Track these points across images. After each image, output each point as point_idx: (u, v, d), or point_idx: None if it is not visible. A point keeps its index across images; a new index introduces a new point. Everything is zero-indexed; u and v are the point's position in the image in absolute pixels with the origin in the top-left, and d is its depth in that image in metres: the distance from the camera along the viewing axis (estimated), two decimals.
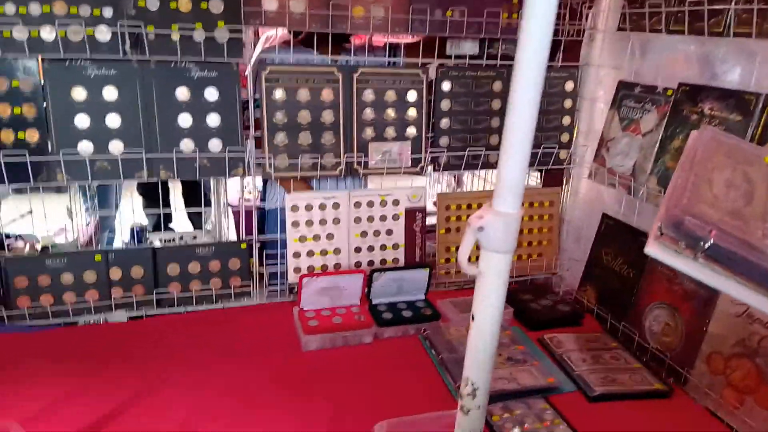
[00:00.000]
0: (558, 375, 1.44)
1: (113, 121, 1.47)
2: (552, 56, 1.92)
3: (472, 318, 0.66)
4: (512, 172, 0.59)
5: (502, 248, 0.61)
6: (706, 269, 0.67)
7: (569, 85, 1.89)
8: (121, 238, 2.35)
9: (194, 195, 2.93)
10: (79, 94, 1.44)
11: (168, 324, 1.60)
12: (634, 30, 1.65)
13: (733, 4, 1.29)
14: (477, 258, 0.66)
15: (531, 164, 1.94)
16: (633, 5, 1.64)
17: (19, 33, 1.35)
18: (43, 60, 1.41)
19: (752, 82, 1.33)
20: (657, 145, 1.57)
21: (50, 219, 1.72)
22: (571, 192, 2.03)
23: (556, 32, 1.81)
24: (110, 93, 1.46)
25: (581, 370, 1.45)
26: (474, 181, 2.51)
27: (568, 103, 1.90)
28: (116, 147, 1.49)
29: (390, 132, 1.74)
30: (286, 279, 1.74)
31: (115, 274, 1.58)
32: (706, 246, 0.66)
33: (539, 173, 2.09)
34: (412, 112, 1.75)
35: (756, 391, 1.24)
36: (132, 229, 2.15)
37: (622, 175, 1.69)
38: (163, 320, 1.62)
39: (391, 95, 1.71)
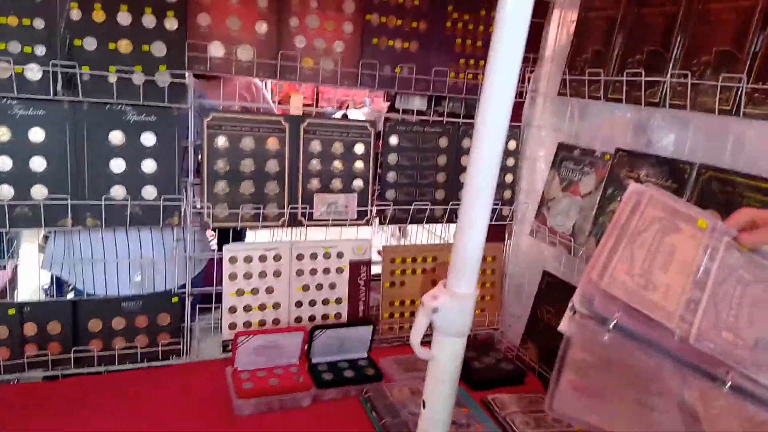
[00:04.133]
0: None
1: (38, 164, 1.36)
2: None
3: (423, 405, 0.62)
4: (469, 252, 0.56)
5: (458, 331, 0.58)
6: (611, 349, 0.68)
7: (512, 144, 1.93)
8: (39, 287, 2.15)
9: None
10: (1, 134, 1.33)
11: (87, 385, 1.46)
12: (574, 95, 1.71)
13: (669, 77, 1.36)
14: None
15: None
16: (573, 72, 1.70)
17: None
18: None
19: (686, 150, 1.39)
20: (596, 207, 1.61)
21: None
22: (513, 248, 2.05)
23: None
24: (37, 134, 1.35)
25: None
26: (419, 231, 2.51)
27: (510, 162, 1.93)
28: (39, 192, 1.38)
29: (336, 184, 1.71)
30: (221, 335, 1.64)
31: (30, 329, 1.44)
32: (611, 326, 0.68)
33: None
34: (359, 165, 1.73)
35: None
36: (52, 277, 1.98)
37: (563, 234, 1.72)
38: (82, 381, 1.48)
39: (338, 147, 1.69)
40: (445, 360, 0.58)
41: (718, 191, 1.28)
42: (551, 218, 1.78)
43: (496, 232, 2.05)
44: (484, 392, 1.60)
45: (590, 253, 1.58)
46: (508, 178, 1.94)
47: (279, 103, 4.57)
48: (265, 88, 3.68)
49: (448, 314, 0.56)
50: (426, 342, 0.68)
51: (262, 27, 1.52)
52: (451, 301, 0.56)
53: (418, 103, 1.81)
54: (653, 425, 0.69)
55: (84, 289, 1.67)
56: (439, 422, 0.59)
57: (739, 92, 1.20)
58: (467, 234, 0.55)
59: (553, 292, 1.79)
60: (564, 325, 0.68)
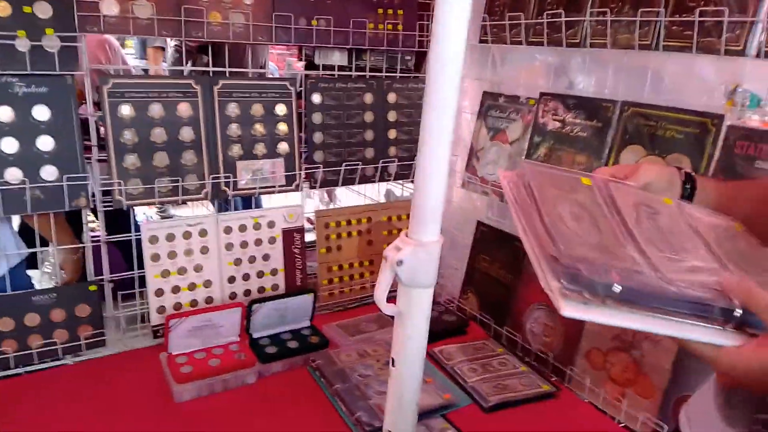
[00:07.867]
0: (453, 390, 1.41)
1: None
2: (417, 68, 1.92)
3: (392, 363, 0.58)
4: (431, 198, 0.52)
5: (425, 282, 0.54)
6: (621, 313, 0.58)
7: None
8: None
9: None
10: None
11: (6, 389, 1.31)
12: (495, 42, 1.69)
13: (588, 16, 1.37)
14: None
15: (407, 176, 1.92)
16: (493, 18, 1.68)
17: None
18: None
19: (606, 90, 1.42)
20: (524, 153, 1.63)
21: None
22: (445, 201, 2.04)
23: (420, 44, 1.81)
24: None
25: (473, 382, 1.44)
26: (347, 194, 2.46)
27: None
28: None
29: (260, 149, 1.61)
30: (149, 321, 1.53)
31: None
32: (615, 290, 0.57)
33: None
34: (282, 127, 1.63)
35: (635, 383, 1.31)
36: None
37: (494, 183, 1.72)
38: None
39: (258, 109, 1.59)
40: (414, 313, 0.54)
41: (642, 126, 1.31)
42: (481, 168, 1.78)
43: None
44: (429, 346, 1.60)
45: None
46: None
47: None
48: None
49: (415, 265, 0.52)
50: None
51: None
52: (417, 250, 0.52)
53: (338, 57, 1.73)
54: None
55: None
56: (411, 378, 0.56)
57: (658, 26, 1.22)
58: (428, 180, 0.50)
59: (488, 241, 1.81)
60: (567, 308, 0.55)
